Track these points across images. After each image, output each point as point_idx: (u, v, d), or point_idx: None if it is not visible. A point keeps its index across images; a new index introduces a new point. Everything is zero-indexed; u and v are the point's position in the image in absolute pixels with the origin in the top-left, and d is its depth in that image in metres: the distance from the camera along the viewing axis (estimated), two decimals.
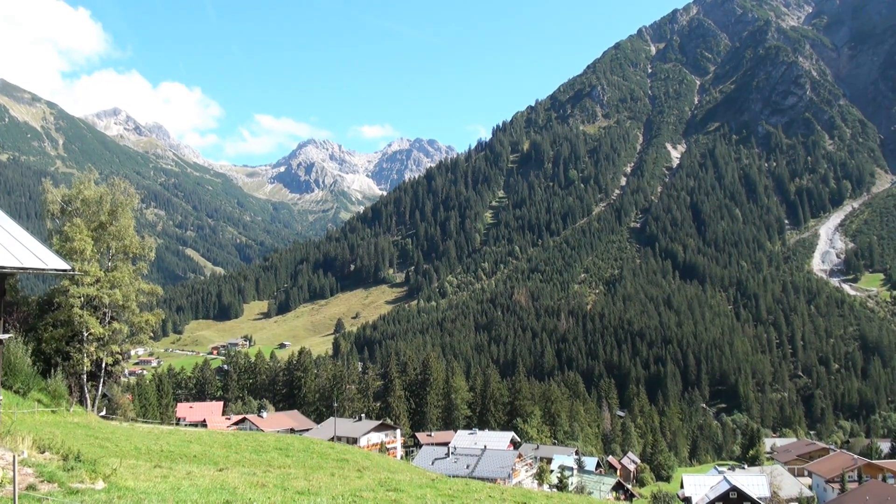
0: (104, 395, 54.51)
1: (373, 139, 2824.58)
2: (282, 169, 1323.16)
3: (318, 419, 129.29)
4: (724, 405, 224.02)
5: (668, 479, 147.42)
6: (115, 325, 50.85)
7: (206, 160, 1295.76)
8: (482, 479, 69.24)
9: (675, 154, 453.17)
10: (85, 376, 49.50)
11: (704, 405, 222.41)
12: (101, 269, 49.72)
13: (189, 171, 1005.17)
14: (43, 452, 18.58)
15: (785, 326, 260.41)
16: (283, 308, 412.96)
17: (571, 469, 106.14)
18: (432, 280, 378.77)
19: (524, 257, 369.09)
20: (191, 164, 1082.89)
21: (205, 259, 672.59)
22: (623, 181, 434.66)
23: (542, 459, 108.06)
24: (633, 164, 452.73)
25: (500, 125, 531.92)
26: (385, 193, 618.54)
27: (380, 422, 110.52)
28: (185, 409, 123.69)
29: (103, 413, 52.50)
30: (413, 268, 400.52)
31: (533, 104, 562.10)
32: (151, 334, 56.58)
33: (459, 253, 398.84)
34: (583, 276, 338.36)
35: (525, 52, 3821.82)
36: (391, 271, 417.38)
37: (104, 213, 51.45)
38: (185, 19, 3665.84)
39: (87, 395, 49.65)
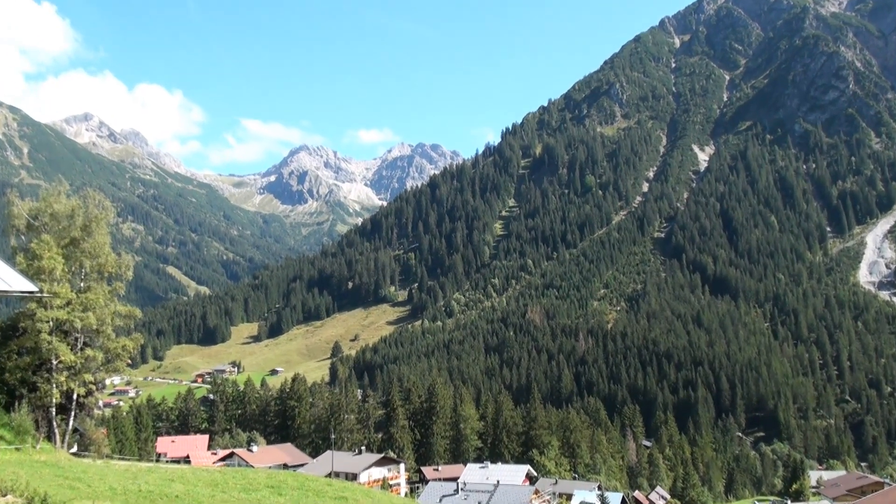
0: (75, 430, 54.14)
1: (371, 145, 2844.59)
2: (272, 178, 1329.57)
3: (314, 453, 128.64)
4: (762, 434, 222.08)
5: None
6: (89, 351, 50.50)
7: (188, 169, 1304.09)
8: None
9: (703, 156, 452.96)
10: (54, 409, 49.13)
11: (740, 434, 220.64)
12: (72, 291, 49.48)
13: (170, 182, 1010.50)
14: (5, 496, 18.29)
15: (829, 345, 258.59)
16: (274, 330, 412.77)
17: None
18: (438, 298, 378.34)
19: (538, 272, 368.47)
20: (171, 174, 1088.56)
21: (188, 278, 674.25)
22: (645, 187, 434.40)
23: (561, 495, 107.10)
24: (656, 169, 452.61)
25: (510, 128, 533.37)
26: (385, 204, 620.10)
27: (382, 455, 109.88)
28: (166, 444, 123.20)
29: (74, 450, 52.16)
30: (416, 285, 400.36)
31: (545, 104, 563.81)
32: (129, 361, 56.14)
33: (467, 268, 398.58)
34: (602, 291, 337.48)
35: (536, 47, 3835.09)
36: (392, 289, 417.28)
37: (76, 229, 51.27)
38: (164, 15, 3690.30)
39: (56, 430, 49.28)
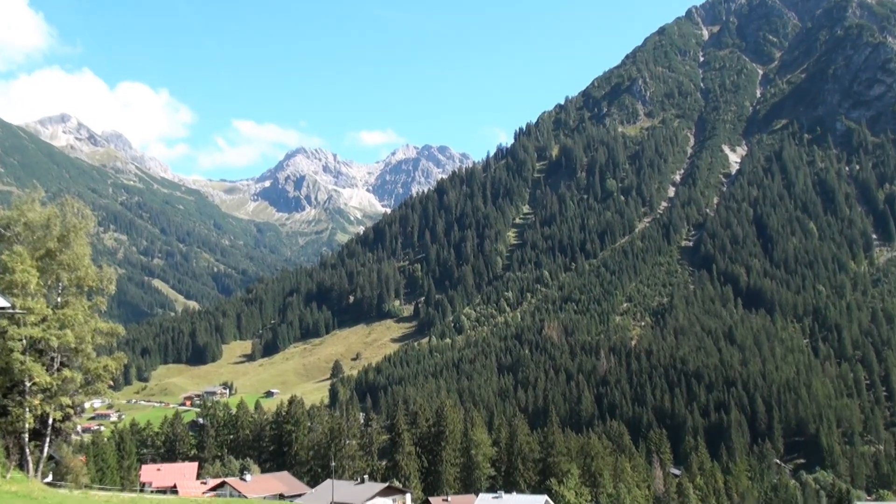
0: (51, 458, 54.05)
1: (373, 147, 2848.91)
2: (266, 184, 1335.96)
3: (313, 482, 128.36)
4: (802, 461, 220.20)
5: None
6: (66, 372, 50.47)
7: (175, 175, 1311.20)
8: None
9: (734, 158, 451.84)
10: (27, 435, 49.06)
11: (778, 461, 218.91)
12: (48, 306, 49.48)
13: (155, 188, 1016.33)
14: None
15: (876, 364, 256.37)
16: (269, 349, 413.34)
17: None
18: (446, 313, 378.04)
19: (555, 284, 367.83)
20: (157, 180, 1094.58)
21: (175, 292, 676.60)
22: (671, 192, 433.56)
23: None
24: (682, 172, 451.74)
25: (524, 128, 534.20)
26: (389, 211, 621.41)
27: (386, 484, 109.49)
28: (151, 473, 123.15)
29: (49, 479, 52.02)
30: (423, 299, 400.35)
31: (562, 102, 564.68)
32: (111, 383, 56.23)
33: (478, 280, 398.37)
34: (625, 305, 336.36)
35: (551, 40, 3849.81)
36: (397, 303, 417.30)
37: (52, 239, 51.32)
38: (147, 7, 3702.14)
39: (30, 458, 49.20)
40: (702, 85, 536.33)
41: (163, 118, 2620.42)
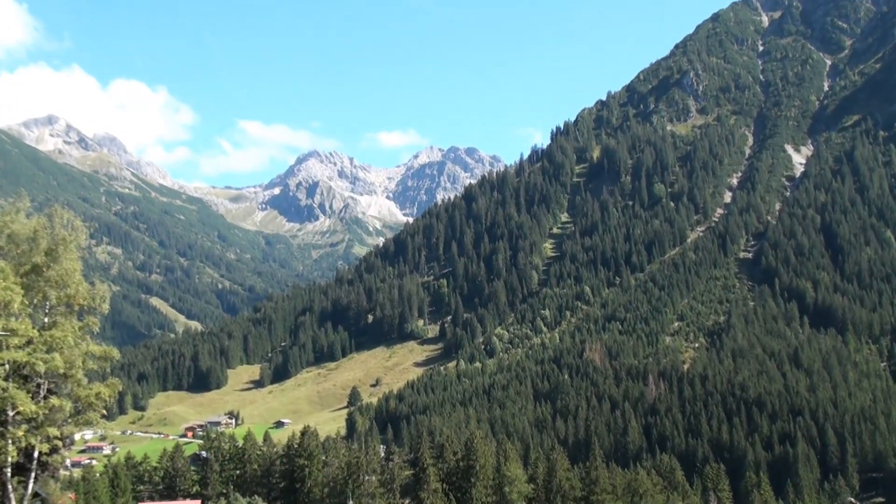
0: (36, 495, 54.27)
1: (394, 149, 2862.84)
2: (276, 191, 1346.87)
3: None
4: (882, 499, 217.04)
5: None
6: (54, 400, 50.56)
7: (175, 181, 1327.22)
8: None
9: (799, 159, 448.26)
10: (9, 470, 49.20)
11: (853, 499, 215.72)
12: (34, 328, 49.68)
13: (153, 196, 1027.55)
14: None
15: None
16: (279, 374, 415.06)
17: None
18: (475, 334, 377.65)
19: (597, 301, 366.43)
20: (155, 187, 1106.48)
21: (175, 311, 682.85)
22: (727, 197, 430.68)
23: None
24: (740, 175, 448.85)
25: (562, 127, 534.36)
26: (411, 220, 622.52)
27: None
28: None
29: None
30: (450, 318, 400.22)
31: (604, 98, 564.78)
32: (104, 412, 56.33)
33: (511, 297, 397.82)
34: (676, 325, 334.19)
35: (592, 30, 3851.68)
36: (421, 323, 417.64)
37: (39, 254, 51.59)
38: None
39: (12, 495, 49.34)
40: (761, 77, 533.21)
41: (161, 119, 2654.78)
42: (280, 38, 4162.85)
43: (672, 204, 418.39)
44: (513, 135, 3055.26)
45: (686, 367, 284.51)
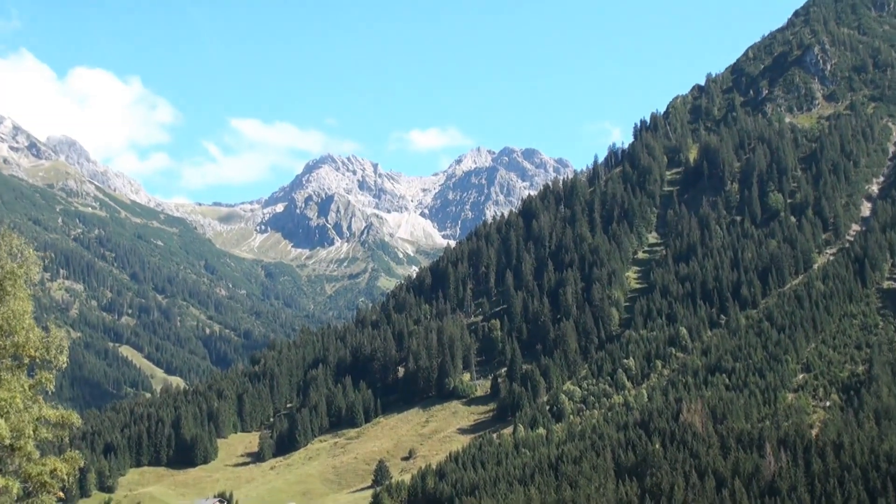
0: None
1: (429, 152, 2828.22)
2: (278, 208, 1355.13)
3: None
4: None
5: None
6: None
7: (152, 197, 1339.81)
8: None
9: None
10: None
11: None
12: None
13: (123, 217, 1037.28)
14: None
15: None
16: (285, 445, 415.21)
17: None
18: (538, 391, 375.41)
19: (697, 347, 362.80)
20: (126, 205, 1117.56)
21: (152, 363, 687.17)
22: (866, 209, 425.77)
23: None
24: (882, 180, 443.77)
25: (647, 121, 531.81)
26: (453, 243, 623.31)
27: None
28: None
29: None
30: (504, 370, 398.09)
31: (702, 83, 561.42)
32: (61, 494, 56.87)
33: (584, 343, 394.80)
34: (801, 377, 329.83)
35: None
36: (467, 377, 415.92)
37: None
38: None
39: None
40: None
41: (133, 118, 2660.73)
42: (283, 12, 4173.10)
43: (793, 219, 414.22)
44: (583, 131, 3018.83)
45: (814, 432, 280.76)
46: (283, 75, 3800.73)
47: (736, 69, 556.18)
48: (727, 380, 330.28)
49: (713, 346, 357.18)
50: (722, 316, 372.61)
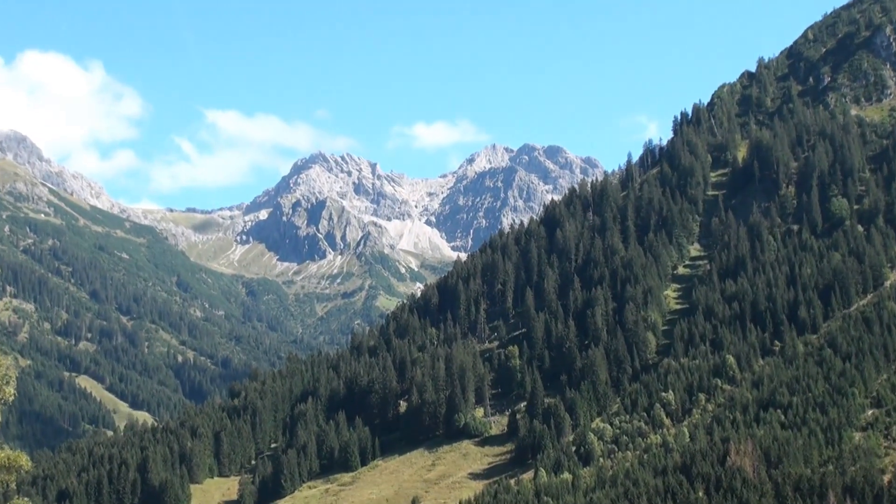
0: None
1: (436, 149, 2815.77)
2: (262, 215, 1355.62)
3: None
4: None
5: None
6: None
7: (115, 202, 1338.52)
8: None
9: None
10: None
11: None
12: None
13: (82, 225, 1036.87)
14: None
15: None
16: (269, 492, 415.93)
17: None
18: (563, 429, 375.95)
19: (747, 378, 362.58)
20: (86, 211, 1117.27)
21: (114, 396, 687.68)
22: None
23: None
24: None
25: (688, 114, 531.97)
26: (464, 256, 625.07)
27: None
28: None
29: None
30: (524, 405, 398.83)
31: (753, 69, 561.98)
32: None
33: (616, 373, 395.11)
34: (871, 413, 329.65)
35: None
36: (480, 413, 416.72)
37: None
38: None
39: None
40: None
41: (95, 110, 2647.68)
42: None
43: (860, 228, 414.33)
44: (615, 126, 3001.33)
45: (886, 478, 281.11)
46: (267, 60, 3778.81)
47: (792, 53, 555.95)
48: (782, 416, 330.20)
49: (766, 376, 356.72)
50: (776, 342, 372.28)
